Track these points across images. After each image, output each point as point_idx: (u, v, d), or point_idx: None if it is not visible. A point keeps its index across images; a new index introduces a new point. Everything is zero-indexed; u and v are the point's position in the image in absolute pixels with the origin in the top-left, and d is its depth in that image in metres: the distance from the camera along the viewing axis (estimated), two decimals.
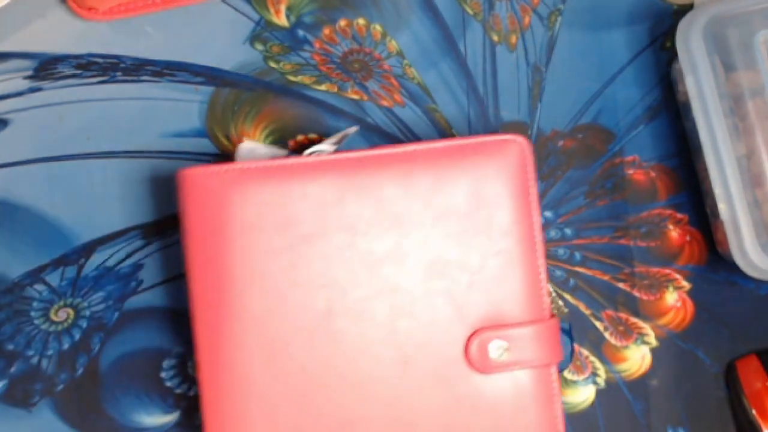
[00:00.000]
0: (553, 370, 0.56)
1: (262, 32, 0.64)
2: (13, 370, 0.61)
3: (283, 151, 0.61)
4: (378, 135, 0.63)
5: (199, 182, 0.55)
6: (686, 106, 0.60)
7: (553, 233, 0.63)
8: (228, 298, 0.55)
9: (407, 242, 0.55)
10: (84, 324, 0.61)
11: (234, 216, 0.54)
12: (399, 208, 0.55)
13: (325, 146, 0.58)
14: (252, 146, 0.60)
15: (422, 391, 0.55)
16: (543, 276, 0.56)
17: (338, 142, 0.59)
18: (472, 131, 0.63)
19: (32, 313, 0.61)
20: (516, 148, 0.56)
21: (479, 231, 0.55)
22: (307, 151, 0.57)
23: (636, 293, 0.63)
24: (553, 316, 0.56)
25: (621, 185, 0.64)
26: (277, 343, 0.55)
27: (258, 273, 0.55)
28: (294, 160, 0.55)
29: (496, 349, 0.55)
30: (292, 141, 0.63)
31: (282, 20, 0.64)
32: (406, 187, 0.55)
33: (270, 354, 0.55)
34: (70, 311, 0.61)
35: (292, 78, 0.63)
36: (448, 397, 0.55)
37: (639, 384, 0.63)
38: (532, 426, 0.55)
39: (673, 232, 0.64)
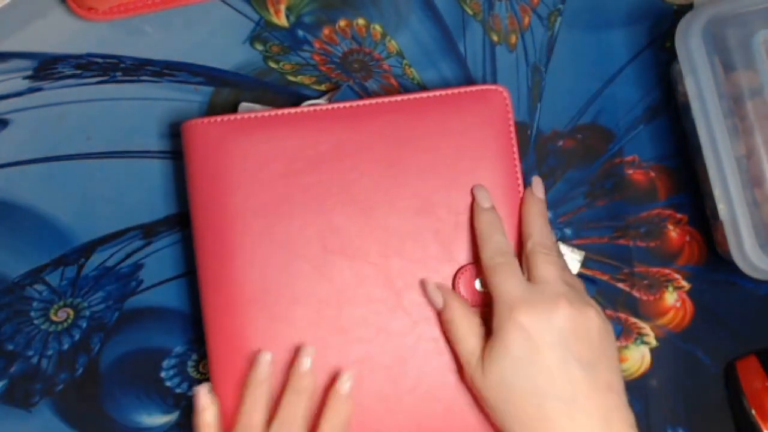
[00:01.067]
0: None
1: (261, 32, 0.64)
2: (13, 370, 0.61)
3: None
4: None
5: (202, 131, 0.58)
6: (686, 107, 0.60)
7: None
8: (228, 241, 0.57)
9: (397, 186, 0.58)
10: (84, 324, 0.61)
11: (233, 161, 0.58)
12: (389, 154, 0.58)
13: (319, 101, 0.61)
14: (250, 106, 0.62)
15: (414, 329, 0.57)
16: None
17: (330, 98, 0.62)
18: None
19: (32, 313, 0.61)
20: (497, 97, 0.59)
21: (465, 174, 0.58)
22: (304, 104, 0.59)
23: (635, 293, 0.63)
24: None
25: (621, 185, 0.64)
26: (274, 284, 0.57)
27: (256, 214, 0.57)
28: (290, 110, 0.58)
29: (481, 283, 0.58)
30: None
31: (282, 20, 0.64)
32: (395, 134, 0.58)
33: (269, 295, 0.57)
34: (70, 311, 0.62)
35: (292, 78, 0.64)
36: (439, 335, 0.58)
37: (639, 384, 0.63)
38: None
39: (673, 232, 0.64)
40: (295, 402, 0.54)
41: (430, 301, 0.57)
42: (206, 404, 0.55)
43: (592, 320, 0.52)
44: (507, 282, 0.53)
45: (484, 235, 0.56)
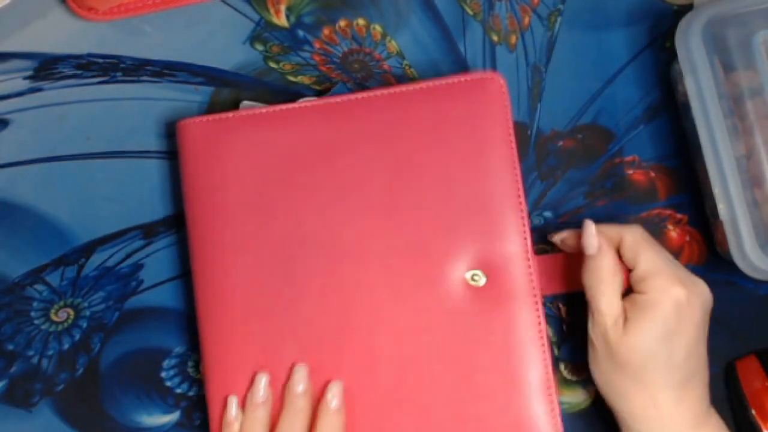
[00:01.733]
0: (539, 302, 0.57)
1: (262, 32, 0.64)
2: (13, 370, 0.61)
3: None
4: None
5: (195, 130, 0.58)
6: (686, 107, 0.60)
7: None
8: (221, 240, 0.57)
9: (397, 181, 0.57)
10: (84, 324, 0.61)
11: (226, 160, 0.57)
12: (384, 150, 0.58)
13: (313, 98, 0.60)
14: (251, 105, 0.62)
15: (417, 326, 0.57)
16: (524, 212, 0.58)
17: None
18: None
19: (32, 313, 0.61)
20: (493, 85, 0.58)
21: (462, 168, 0.58)
22: (298, 101, 0.59)
23: None
24: (534, 252, 0.58)
25: (621, 185, 0.64)
26: (270, 283, 0.57)
27: (250, 213, 0.57)
28: (284, 106, 0.58)
29: (482, 279, 0.57)
30: None
31: (282, 20, 0.64)
32: (390, 129, 0.58)
33: (264, 294, 0.57)
34: (70, 311, 0.62)
35: (292, 78, 0.64)
36: (444, 332, 0.57)
37: None
38: (524, 358, 0.57)
39: (673, 232, 0.64)
40: (293, 421, 0.55)
41: (583, 244, 0.56)
42: (237, 416, 0.56)
43: (710, 301, 0.56)
44: (660, 257, 0.55)
45: (615, 228, 0.56)
